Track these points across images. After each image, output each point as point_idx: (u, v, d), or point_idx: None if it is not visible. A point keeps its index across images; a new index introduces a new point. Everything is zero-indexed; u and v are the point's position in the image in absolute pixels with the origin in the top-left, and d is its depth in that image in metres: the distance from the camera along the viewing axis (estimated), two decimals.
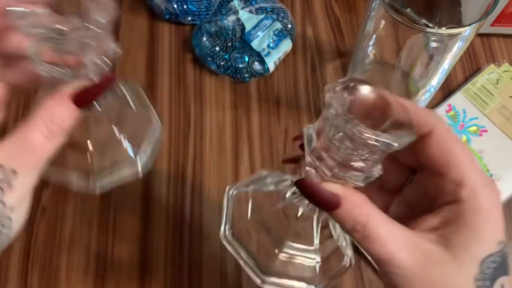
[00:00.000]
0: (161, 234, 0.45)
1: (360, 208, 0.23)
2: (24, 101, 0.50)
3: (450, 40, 0.35)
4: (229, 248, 0.31)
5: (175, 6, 0.52)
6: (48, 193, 0.47)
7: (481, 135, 0.49)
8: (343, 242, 0.31)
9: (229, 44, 0.51)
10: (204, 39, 0.52)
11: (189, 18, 0.54)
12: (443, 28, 0.41)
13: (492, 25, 0.52)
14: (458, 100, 0.51)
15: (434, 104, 0.50)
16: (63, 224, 0.46)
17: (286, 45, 0.52)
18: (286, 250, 0.30)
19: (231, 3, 0.53)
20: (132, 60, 0.53)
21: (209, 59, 0.51)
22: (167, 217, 0.46)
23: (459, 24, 0.39)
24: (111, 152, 0.29)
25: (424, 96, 0.44)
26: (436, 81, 0.42)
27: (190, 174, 0.48)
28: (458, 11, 0.40)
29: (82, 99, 0.24)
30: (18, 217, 0.24)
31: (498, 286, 0.22)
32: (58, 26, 0.22)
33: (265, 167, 0.48)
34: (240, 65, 0.51)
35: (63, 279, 0.44)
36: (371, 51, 0.43)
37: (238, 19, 0.52)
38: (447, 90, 0.52)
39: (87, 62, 0.24)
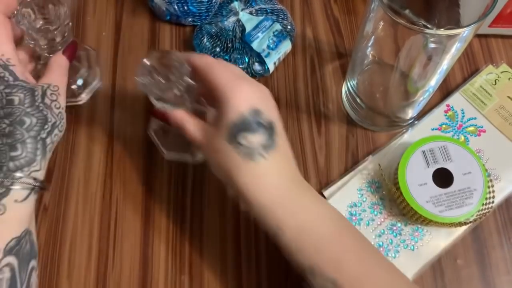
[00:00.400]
0: (162, 234, 0.46)
1: (179, 116, 0.39)
2: None
3: (449, 41, 0.35)
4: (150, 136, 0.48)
5: (176, 7, 0.52)
6: (49, 193, 0.47)
7: (479, 135, 0.49)
8: None
9: (230, 45, 0.52)
10: (205, 40, 0.52)
11: (190, 19, 0.54)
12: (442, 29, 0.41)
13: (490, 26, 0.53)
14: (456, 100, 0.51)
15: (432, 104, 0.51)
16: (65, 223, 0.46)
17: (286, 46, 0.52)
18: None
19: (232, 5, 0.53)
20: (133, 61, 0.53)
21: None
22: (167, 217, 0.46)
23: (457, 25, 0.40)
24: (88, 82, 0.51)
25: (423, 96, 0.45)
26: (434, 81, 0.42)
27: (191, 175, 0.48)
28: (457, 12, 0.40)
29: (67, 55, 0.43)
30: (64, 115, 0.40)
31: (240, 137, 0.35)
32: (46, 26, 0.41)
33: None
34: (240, 66, 0.51)
35: (65, 278, 0.44)
36: (370, 51, 0.43)
37: (238, 20, 0.52)
38: (445, 91, 0.52)
39: (60, 38, 0.42)
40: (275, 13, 0.53)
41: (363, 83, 0.48)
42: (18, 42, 0.41)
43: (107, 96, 0.52)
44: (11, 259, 0.34)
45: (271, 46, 0.52)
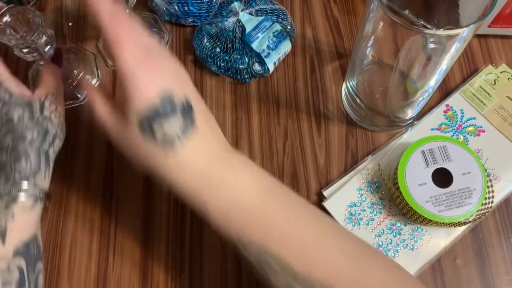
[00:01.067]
0: (162, 235, 0.46)
1: (90, 94, 0.38)
2: None
3: (448, 41, 0.35)
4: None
5: (176, 7, 0.52)
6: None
7: (478, 135, 0.49)
8: None
9: (230, 45, 0.52)
10: (205, 40, 0.52)
11: (190, 20, 0.54)
12: (441, 29, 0.41)
13: (489, 26, 0.53)
14: (456, 100, 0.51)
15: (432, 104, 0.51)
16: (65, 223, 0.46)
17: (286, 46, 0.52)
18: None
19: (232, 5, 0.53)
20: None
21: (209, 60, 0.52)
22: (167, 216, 0.47)
23: (457, 25, 0.40)
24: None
25: (422, 97, 0.45)
26: (434, 81, 0.42)
27: None
28: (456, 13, 0.40)
29: (56, 62, 0.44)
30: (64, 125, 0.42)
31: (155, 128, 0.32)
32: (27, 38, 0.42)
33: (265, 165, 0.48)
34: (240, 66, 0.51)
35: (65, 278, 0.44)
36: (369, 52, 0.43)
37: (239, 21, 0.52)
38: (445, 91, 0.52)
39: (44, 46, 0.44)
40: (275, 14, 0.53)
41: (363, 83, 0.48)
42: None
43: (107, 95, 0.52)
44: (20, 262, 0.36)
45: (271, 46, 0.52)
